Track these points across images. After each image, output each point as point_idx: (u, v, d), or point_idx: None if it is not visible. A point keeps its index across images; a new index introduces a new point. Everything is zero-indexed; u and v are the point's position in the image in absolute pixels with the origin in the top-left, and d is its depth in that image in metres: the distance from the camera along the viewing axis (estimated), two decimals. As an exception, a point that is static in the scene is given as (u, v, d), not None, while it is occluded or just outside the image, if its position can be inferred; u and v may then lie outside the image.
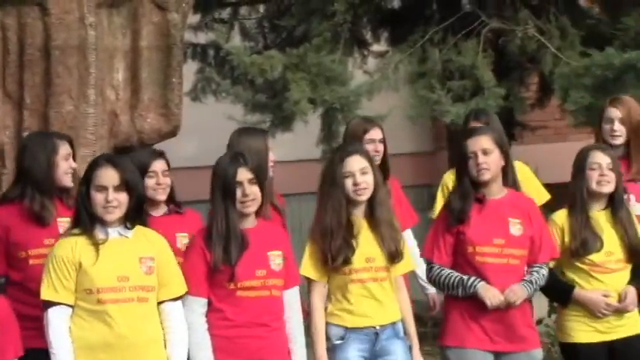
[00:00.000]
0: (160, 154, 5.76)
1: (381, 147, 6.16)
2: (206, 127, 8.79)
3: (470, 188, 5.60)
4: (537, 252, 5.54)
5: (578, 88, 8.58)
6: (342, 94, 8.96)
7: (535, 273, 5.50)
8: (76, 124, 6.31)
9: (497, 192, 5.53)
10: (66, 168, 5.55)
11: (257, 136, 6.13)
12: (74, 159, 5.67)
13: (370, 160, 5.43)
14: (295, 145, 9.75)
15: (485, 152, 5.42)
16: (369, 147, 5.94)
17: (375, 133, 6.27)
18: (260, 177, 5.06)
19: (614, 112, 6.35)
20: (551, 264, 5.86)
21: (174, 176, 5.90)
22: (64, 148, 5.59)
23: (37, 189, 5.40)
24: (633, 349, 5.71)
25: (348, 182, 5.20)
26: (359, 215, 5.33)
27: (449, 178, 6.54)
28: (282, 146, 8.61)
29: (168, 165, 5.57)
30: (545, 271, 5.60)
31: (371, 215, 5.34)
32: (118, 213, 4.65)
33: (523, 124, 10.24)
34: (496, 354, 5.55)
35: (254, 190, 4.92)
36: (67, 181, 5.50)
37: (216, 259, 4.87)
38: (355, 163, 5.26)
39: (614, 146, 6.22)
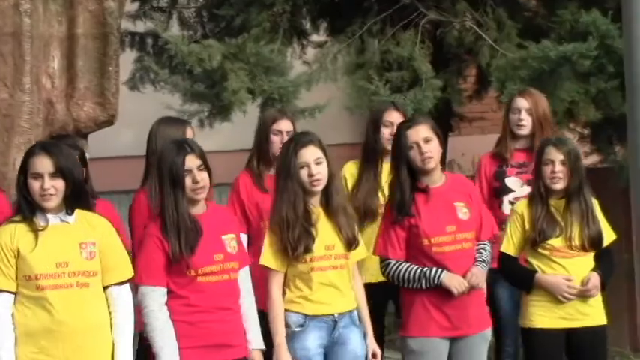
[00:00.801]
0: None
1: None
2: (144, 116, 7.80)
3: (408, 179, 5.60)
4: (480, 230, 5.67)
5: (515, 79, 8.48)
6: (280, 84, 8.82)
7: (483, 251, 5.66)
8: (12, 112, 6.36)
9: (438, 179, 5.62)
10: None
11: (177, 125, 6.30)
12: None
13: (323, 148, 5.41)
14: (234, 135, 9.64)
15: (426, 141, 5.46)
16: (276, 138, 6.08)
17: (284, 125, 6.32)
18: (207, 162, 5.09)
19: (522, 103, 6.60)
20: (513, 253, 5.93)
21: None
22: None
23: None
24: (593, 340, 5.85)
25: (303, 173, 5.23)
26: (315, 204, 5.35)
27: (349, 168, 6.83)
28: (220, 136, 8.96)
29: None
30: (490, 247, 5.77)
31: (327, 204, 5.37)
32: (55, 200, 4.65)
33: (461, 116, 10.16)
34: (452, 339, 5.66)
35: (204, 177, 4.96)
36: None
37: (174, 249, 4.91)
38: (309, 154, 5.27)
39: (519, 136, 6.56)
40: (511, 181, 6.51)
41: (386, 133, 6.40)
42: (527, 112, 6.62)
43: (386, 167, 6.41)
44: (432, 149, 5.57)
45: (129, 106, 7.77)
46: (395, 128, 6.12)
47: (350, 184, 6.77)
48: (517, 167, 6.49)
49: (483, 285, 5.74)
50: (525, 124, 6.63)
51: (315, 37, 10.08)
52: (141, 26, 9.87)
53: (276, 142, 6.06)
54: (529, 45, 8.68)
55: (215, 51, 8.66)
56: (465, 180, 6.29)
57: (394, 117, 6.42)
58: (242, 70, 8.66)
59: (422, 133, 5.60)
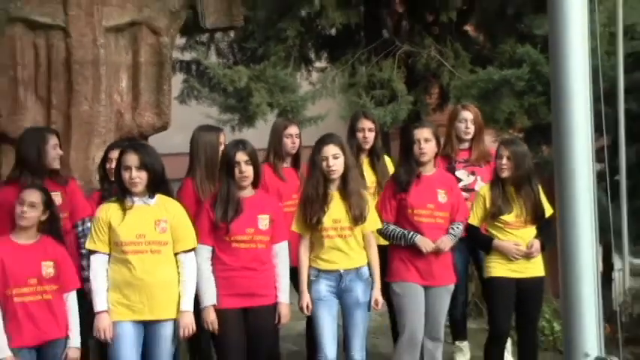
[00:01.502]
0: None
1: (297, 140, 6.65)
2: (190, 123, 7.84)
3: (415, 166, 6.29)
4: (456, 214, 6.35)
5: (468, 96, 9.22)
6: (292, 100, 9.81)
7: (456, 228, 6.31)
8: (91, 120, 7.10)
9: (429, 170, 6.31)
10: (53, 156, 6.21)
11: (212, 132, 6.68)
12: (62, 148, 6.36)
13: (342, 147, 6.06)
14: (257, 138, 8.66)
15: (426, 140, 6.18)
16: (288, 140, 6.58)
17: (293, 129, 6.78)
18: (255, 159, 5.72)
19: (468, 115, 7.20)
20: (477, 224, 6.62)
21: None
22: (51, 141, 6.23)
23: (30, 170, 6.04)
24: (534, 286, 6.49)
25: (324, 165, 5.89)
26: (333, 189, 5.97)
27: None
28: (247, 138, 8.62)
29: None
30: (461, 227, 6.40)
31: (343, 188, 6.00)
32: (140, 186, 5.30)
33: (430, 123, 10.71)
34: (425, 287, 6.33)
35: (248, 169, 5.58)
36: (56, 164, 6.25)
37: (217, 218, 5.58)
38: (329, 150, 5.92)
39: (464, 140, 7.12)
40: (460, 173, 6.97)
41: (359, 136, 6.82)
42: (471, 121, 7.17)
43: (365, 161, 6.89)
44: (429, 148, 6.25)
45: (178, 116, 8.26)
46: (366, 132, 6.81)
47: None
48: (463, 162, 6.99)
49: (447, 248, 6.31)
50: (470, 130, 7.16)
51: (318, 64, 11.34)
52: (187, 55, 10.93)
53: (288, 143, 6.55)
54: (478, 70, 9.77)
55: (243, 74, 9.58)
56: (449, 176, 6.80)
57: (365, 124, 6.86)
58: (263, 88, 9.62)
59: (424, 134, 6.26)
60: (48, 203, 5.60)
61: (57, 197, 6.01)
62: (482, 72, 9.66)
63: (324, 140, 6.08)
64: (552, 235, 5.79)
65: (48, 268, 5.58)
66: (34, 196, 5.50)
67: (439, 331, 6.55)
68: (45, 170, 6.13)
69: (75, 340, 5.64)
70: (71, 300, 5.65)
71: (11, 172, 6.34)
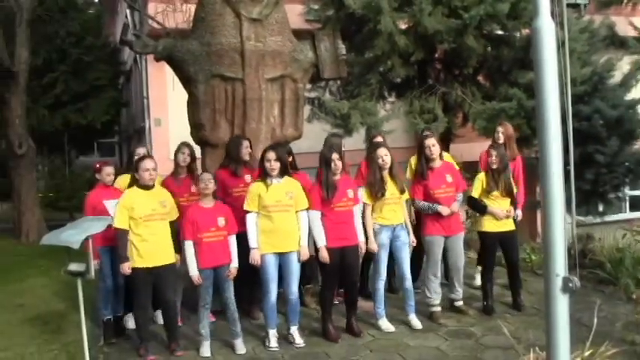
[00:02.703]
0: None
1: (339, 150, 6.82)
2: (314, 135, 9.55)
3: (425, 163, 7.28)
4: (458, 187, 7.28)
5: (480, 119, 11.23)
6: (375, 120, 11.54)
7: (459, 198, 7.29)
8: (257, 134, 8.15)
9: (438, 164, 7.28)
10: (245, 152, 7.37)
11: (337, 137, 7.82)
12: (251, 148, 7.43)
13: (388, 149, 6.93)
14: (354, 143, 11.17)
15: (433, 145, 7.23)
16: (330, 152, 6.73)
17: (341, 142, 7.34)
18: (343, 157, 6.67)
19: (500, 129, 8.19)
20: (476, 196, 7.48)
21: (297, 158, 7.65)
22: (245, 144, 7.38)
23: (234, 161, 7.31)
24: (510, 238, 7.56)
25: (380, 160, 6.86)
26: (386, 175, 6.92)
27: (413, 159, 8.05)
28: (348, 142, 9.30)
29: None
30: (462, 195, 7.28)
31: (390, 174, 6.95)
32: (275, 171, 6.35)
33: (456, 135, 12.51)
34: (445, 237, 7.32)
35: (339, 164, 6.63)
36: (246, 157, 7.41)
37: (323, 193, 6.61)
38: (382, 152, 6.94)
39: (499, 144, 7.83)
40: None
41: (427, 152, 7.26)
42: (502, 133, 8.10)
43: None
44: (435, 150, 7.19)
45: (307, 130, 9.09)
46: (431, 148, 7.30)
47: (413, 165, 7.92)
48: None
49: (456, 210, 7.31)
50: (501, 138, 8.11)
51: (389, 99, 12.95)
52: (313, 94, 12.67)
53: (336, 152, 6.79)
54: (486, 103, 11.38)
55: (345, 105, 11.47)
56: (451, 165, 7.57)
57: (430, 141, 7.26)
58: (357, 113, 11.42)
59: (431, 142, 7.24)
60: (214, 181, 6.55)
61: (248, 177, 7.23)
62: (488, 104, 11.26)
63: (379, 145, 7.16)
64: (516, 206, 7.53)
65: (221, 221, 6.52)
66: (208, 177, 6.64)
67: (459, 264, 7.51)
68: (241, 161, 7.43)
69: (234, 263, 6.54)
70: (232, 240, 6.58)
71: (222, 162, 7.55)
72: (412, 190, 7.29)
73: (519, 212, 7.79)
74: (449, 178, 7.26)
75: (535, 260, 9.58)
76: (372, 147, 7.40)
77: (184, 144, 7.64)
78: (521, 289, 7.83)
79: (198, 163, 7.76)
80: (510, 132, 8.16)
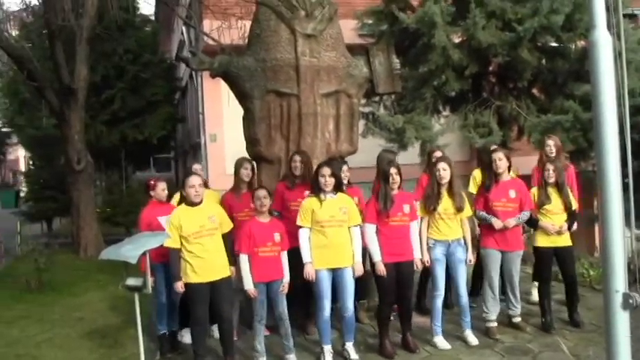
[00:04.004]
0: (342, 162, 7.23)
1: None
2: (369, 149, 9.13)
3: (492, 176, 7.25)
4: (523, 205, 7.14)
5: (535, 132, 10.82)
6: (429, 134, 11.32)
7: (523, 215, 7.18)
8: (313, 148, 8.15)
9: (505, 177, 7.20)
10: (294, 167, 7.54)
11: (389, 152, 7.80)
12: (310, 163, 7.37)
13: (450, 163, 6.93)
14: (408, 157, 11.13)
15: (500, 159, 7.21)
16: (389, 166, 6.75)
17: (394, 158, 7.19)
18: (400, 172, 6.65)
19: (550, 141, 8.23)
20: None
21: (351, 172, 7.57)
22: (295, 158, 7.52)
23: (290, 175, 7.50)
24: (566, 253, 7.44)
25: (438, 174, 6.90)
26: (443, 190, 6.91)
27: (476, 172, 8.30)
28: (403, 156, 9.58)
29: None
30: (527, 214, 7.19)
31: (450, 189, 6.94)
32: (330, 187, 6.40)
33: (511, 148, 11.13)
34: (502, 252, 7.26)
35: (397, 179, 6.67)
36: (296, 172, 7.53)
37: (380, 208, 6.60)
38: (441, 166, 6.91)
39: (551, 158, 7.78)
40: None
41: (494, 165, 7.26)
42: (554, 145, 8.16)
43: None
44: (502, 164, 7.25)
45: (361, 145, 9.00)
46: (497, 162, 7.27)
47: (478, 179, 8.09)
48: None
49: (510, 227, 7.14)
50: (553, 152, 8.12)
51: (444, 113, 12.65)
52: (367, 109, 12.15)
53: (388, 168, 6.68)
54: (541, 116, 11.07)
55: (400, 120, 11.28)
56: (519, 181, 7.45)
57: (497, 155, 7.26)
58: (412, 127, 11.18)
59: (499, 155, 7.25)
60: (270, 196, 6.69)
61: (307, 192, 7.12)
62: (543, 117, 11.01)
63: (440, 159, 7.16)
64: (574, 220, 7.33)
65: (277, 237, 6.61)
66: (263, 194, 6.71)
67: (514, 281, 7.44)
68: (295, 175, 7.60)
69: (286, 277, 6.59)
70: (284, 255, 6.65)
71: (282, 176, 7.84)
72: (475, 200, 7.33)
73: (574, 225, 7.62)
74: (512, 194, 7.21)
75: (593, 275, 9.44)
76: (432, 161, 7.43)
77: (246, 159, 7.75)
78: (578, 303, 7.74)
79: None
80: (559, 144, 8.19)
